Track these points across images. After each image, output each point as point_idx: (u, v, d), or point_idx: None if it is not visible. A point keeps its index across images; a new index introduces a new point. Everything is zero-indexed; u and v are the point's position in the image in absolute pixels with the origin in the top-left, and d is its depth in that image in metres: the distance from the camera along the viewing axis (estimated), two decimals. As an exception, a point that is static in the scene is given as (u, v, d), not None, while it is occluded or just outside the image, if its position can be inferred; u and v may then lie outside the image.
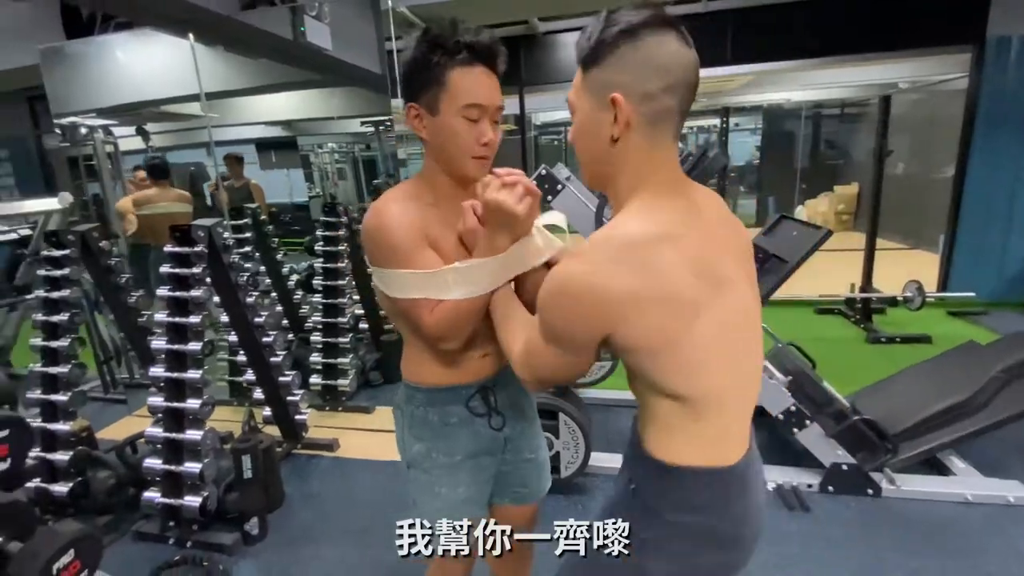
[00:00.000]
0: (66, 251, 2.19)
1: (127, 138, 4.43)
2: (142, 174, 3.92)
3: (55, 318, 2.13)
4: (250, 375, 2.52)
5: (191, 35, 2.46)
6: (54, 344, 2.11)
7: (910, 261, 5.67)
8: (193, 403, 1.95)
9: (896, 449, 2.04)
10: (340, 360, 3.03)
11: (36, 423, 2.07)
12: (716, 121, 8.76)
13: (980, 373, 2.13)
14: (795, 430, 2.05)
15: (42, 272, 2.15)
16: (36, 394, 2.10)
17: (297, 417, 2.54)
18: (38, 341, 2.12)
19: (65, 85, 3.26)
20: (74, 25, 2.93)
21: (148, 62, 3.14)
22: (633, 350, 0.68)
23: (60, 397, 2.08)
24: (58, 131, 3.63)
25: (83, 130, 3.82)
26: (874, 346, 3.59)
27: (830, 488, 2.06)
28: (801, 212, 7.79)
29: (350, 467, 2.43)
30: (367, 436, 2.70)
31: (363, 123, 5.71)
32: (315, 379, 3.02)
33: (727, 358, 0.70)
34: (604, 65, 0.67)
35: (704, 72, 0.68)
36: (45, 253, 2.17)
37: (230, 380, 3.08)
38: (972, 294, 3.72)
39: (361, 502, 2.18)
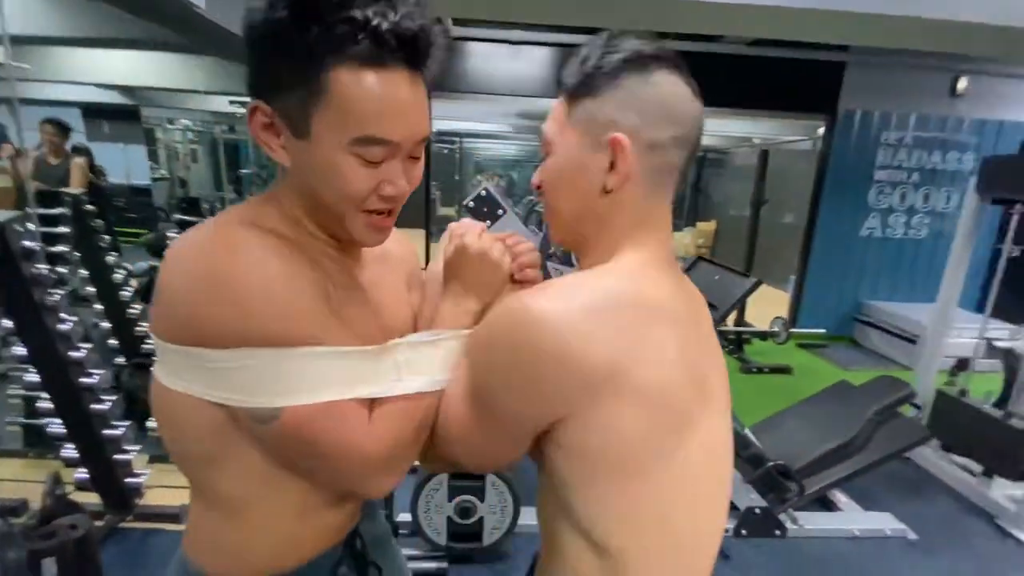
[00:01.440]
0: None
1: None
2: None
3: None
4: (57, 425, 1.85)
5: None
6: None
7: (762, 295, 6.45)
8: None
9: (804, 489, 2.13)
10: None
11: None
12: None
13: (858, 414, 2.33)
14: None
15: None
16: None
17: (128, 480, 1.92)
18: None
19: None
20: None
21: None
22: (579, 457, 0.48)
23: None
24: None
25: None
26: (746, 375, 3.90)
27: (743, 532, 2.08)
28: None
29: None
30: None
31: (232, 102, 4.97)
32: (156, 420, 2.37)
33: (697, 507, 0.51)
34: (603, 97, 0.53)
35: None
36: None
37: (26, 424, 2.28)
38: (824, 330, 4.24)
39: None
